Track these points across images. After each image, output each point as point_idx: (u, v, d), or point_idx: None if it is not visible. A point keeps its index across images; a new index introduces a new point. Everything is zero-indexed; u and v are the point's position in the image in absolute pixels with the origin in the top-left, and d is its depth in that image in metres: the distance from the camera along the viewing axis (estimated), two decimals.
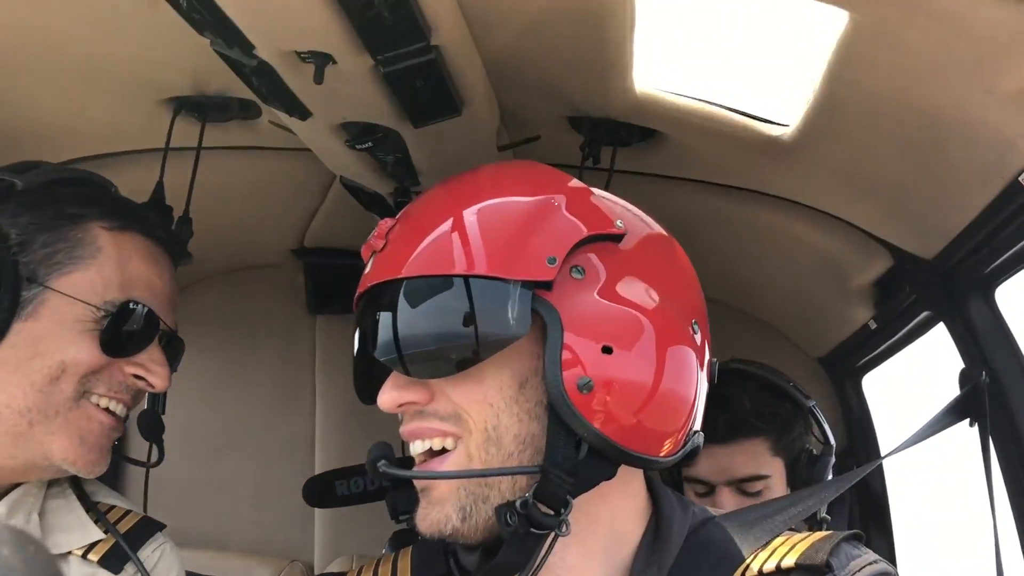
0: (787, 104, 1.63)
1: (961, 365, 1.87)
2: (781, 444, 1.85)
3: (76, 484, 1.47)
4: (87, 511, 1.44)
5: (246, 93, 1.54)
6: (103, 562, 1.39)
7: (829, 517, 1.85)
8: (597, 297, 1.05)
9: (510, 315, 1.02)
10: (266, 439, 2.73)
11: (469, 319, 1.03)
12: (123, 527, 1.45)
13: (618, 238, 1.10)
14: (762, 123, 1.71)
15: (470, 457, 1.05)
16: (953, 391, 1.87)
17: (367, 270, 1.13)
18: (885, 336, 2.23)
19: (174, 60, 1.58)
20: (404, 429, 1.10)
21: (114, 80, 1.64)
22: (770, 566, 1.07)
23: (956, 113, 1.38)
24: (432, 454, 1.08)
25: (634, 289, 1.07)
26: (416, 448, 1.08)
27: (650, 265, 1.12)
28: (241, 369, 2.75)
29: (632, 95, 1.62)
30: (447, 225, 1.08)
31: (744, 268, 2.37)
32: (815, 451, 1.93)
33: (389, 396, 1.08)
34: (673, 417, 1.06)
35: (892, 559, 2.35)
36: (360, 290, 1.13)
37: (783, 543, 1.11)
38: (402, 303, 1.05)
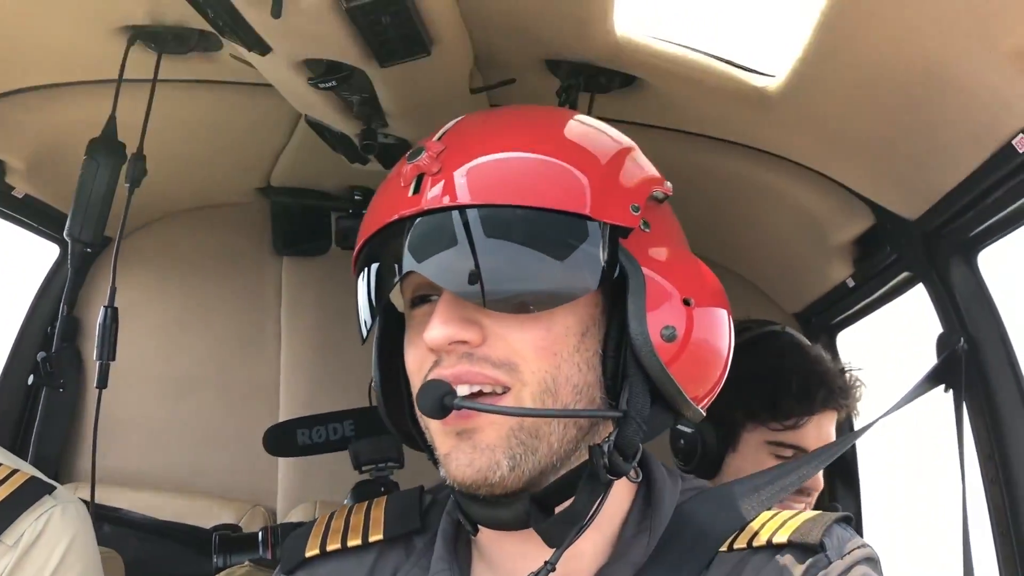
0: (774, 54, 1.57)
1: (939, 327, 1.84)
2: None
3: None
4: None
5: (206, 24, 1.45)
6: None
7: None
8: (667, 250, 1.06)
9: (601, 258, 0.99)
10: (229, 382, 2.68)
11: (561, 257, 0.99)
12: (5, 490, 1.33)
13: (663, 198, 1.10)
14: (747, 73, 1.65)
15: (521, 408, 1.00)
16: (928, 351, 1.85)
17: (413, 192, 1.00)
18: (862, 295, 2.20)
19: None
20: (448, 372, 0.98)
21: (62, 5, 1.55)
22: (761, 540, 1.04)
23: (952, 71, 1.32)
24: (477, 397, 1.01)
25: (684, 248, 1.10)
26: (459, 392, 0.99)
27: (677, 228, 1.13)
28: (204, 309, 2.70)
29: (612, 39, 1.55)
30: (530, 155, 1.02)
31: (722, 221, 2.32)
32: None
33: (443, 332, 0.97)
34: (722, 367, 1.08)
35: (859, 519, 2.35)
36: (404, 212, 1.00)
37: (772, 518, 1.08)
38: (484, 231, 0.98)
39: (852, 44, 1.37)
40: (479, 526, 1.07)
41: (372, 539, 1.14)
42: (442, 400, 0.96)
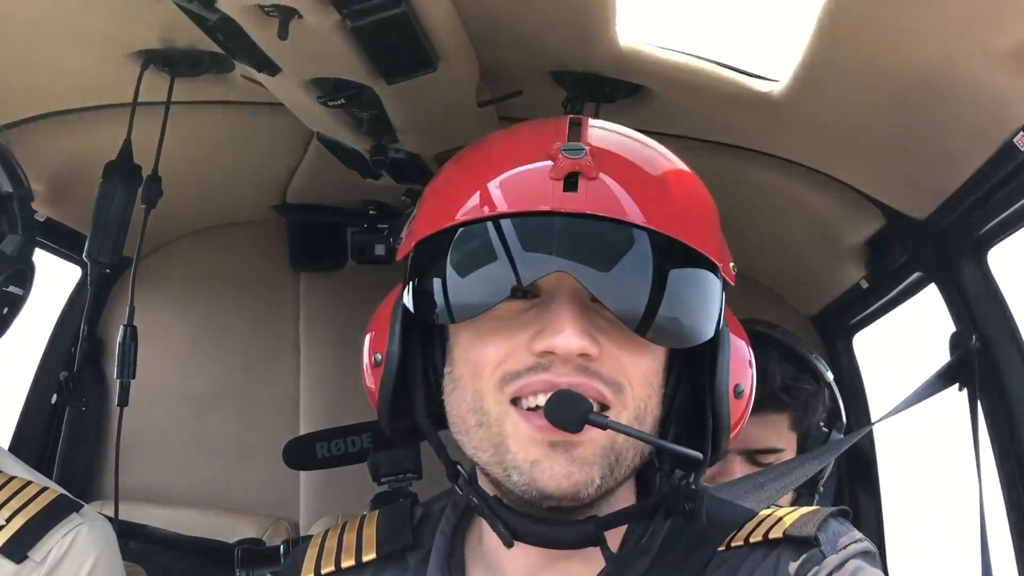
0: (777, 59, 1.58)
1: (953, 327, 1.84)
2: (801, 421, 1.80)
3: None
4: None
5: (217, 47, 1.49)
6: (5, 550, 1.30)
7: (822, 489, 1.82)
8: (729, 312, 1.08)
9: (718, 309, 1.02)
10: (250, 397, 2.72)
11: (702, 299, 1.01)
12: (35, 507, 1.35)
13: None
14: (752, 78, 1.66)
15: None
16: (943, 352, 1.85)
17: (566, 189, 0.97)
18: (877, 296, 2.20)
19: (141, 13, 1.53)
20: (563, 380, 0.96)
21: (78, 33, 1.59)
22: (757, 536, 1.05)
23: (950, 72, 1.33)
24: None
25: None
26: None
27: None
28: (223, 326, 2.73)
29: (616, 49, 1.57)
30: (679, 191, 1.03)
31: (735, 226, 2.28)
32: (824, 427, 1.89)
33: (579, 342, 0.94)
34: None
35: (879, 522, 2.35)
36: (559, 208, 0.96)
37: (770, 515, 1.09)
38: (647, 256, 0.97)
39: (850, 48, 1.38)
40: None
41: (366, 559, 1.14)
42: (586, 416, 0.94)
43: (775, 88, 1.62)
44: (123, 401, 1.66)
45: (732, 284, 1.05)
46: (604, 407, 0.98)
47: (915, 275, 1.98)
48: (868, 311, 2.31)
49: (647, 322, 0.97)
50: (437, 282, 1.00)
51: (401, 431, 1.12)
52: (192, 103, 1.87)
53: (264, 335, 2.73)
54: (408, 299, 1.04)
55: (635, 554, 1.03)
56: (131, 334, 1.67)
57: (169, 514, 2.52)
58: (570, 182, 0.97)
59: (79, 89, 1.82)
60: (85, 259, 1.64)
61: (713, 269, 1.02)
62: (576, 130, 1.04)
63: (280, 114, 1.80)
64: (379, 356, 1.08)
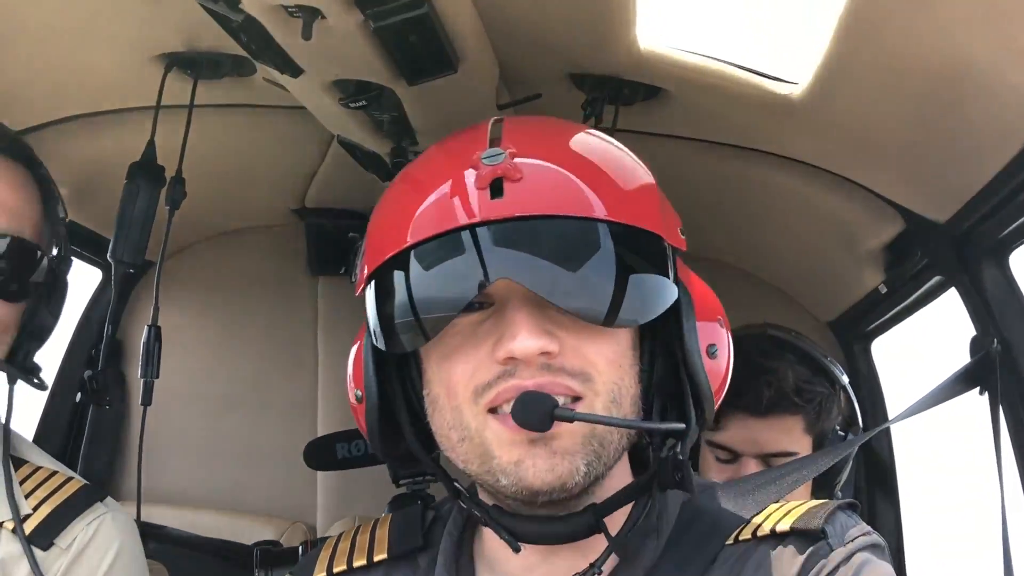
0: (797, 61, 1.58)
1: (973, 332, 1.83)
2: (815, 424, 1.80)
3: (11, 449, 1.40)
4: (22, 481, 1.37)
5: (239, 49, 1.50)
6: (32, 538, 1.33)
7: (839, 494, 1.82)
8: (689, 272, 1.09)
9: (671, 278, 1.03)
10: (268, 400, 2.72)
11: (649, 275, 1.01)
12: (60, 496, 1.38)
13: None
14: (771, 81, 1.66)
15: None
16: (964, 358, 1.84)
17: (493, 196, 0.97)
18: (896, 301, 2.19)
19: (164, 16, 1.54)
20: (529, 383, 0.97)
21: (102, 36, 1.60)
22: (765, 530, 1.05)
23: (972, 72, 1.33)
24: None
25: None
26: None
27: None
28: (242, 329, 2.75)
29: (636, 51, 1.57)
30: (613, 171, 1.03)
31: (752, 230, 2.32)
32: (840, 430, 1.88)
33: (536, 343, 0.95)
34: (725, 380, 1.15)
35: (898, 526, 2.33)
36: (490, 216, 0.97)
37: (778, 508, 1.09)
38: (584, 244, 0.97)
39: (871, 49, 1.38)
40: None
41: (377, 559, 1.15)
42: (552, 413, 0.95)
43: (794, 91, 1.63)
44: (147, 400, 1.67)
45: (684, 249, 1.04)
46: (577, 399, 0.98)
47: (935, 279, 1.97)
48: (887, 316, 2.30)
49: (599, 309, 0.97)
50: (391, 314, 1.02)
51: (398, 456, 1.13)
52: (214, 106, 1.89)
53: (283, 338, 2.74)
54: (373, 333, 1.06)
55: (637, 534, 1.04)
56: (155, 334, 1.69)
57: (187, 515, 2.53)
58: (496, 188, 0.98)
59: (102, 92, 1.84)
60: (109, 259, 1.66)
61: (657, 239, 1.01)
62: (497, 129, 1.04)
63: (300, 117, 1.81)
64: (359, 393, 1.10)
